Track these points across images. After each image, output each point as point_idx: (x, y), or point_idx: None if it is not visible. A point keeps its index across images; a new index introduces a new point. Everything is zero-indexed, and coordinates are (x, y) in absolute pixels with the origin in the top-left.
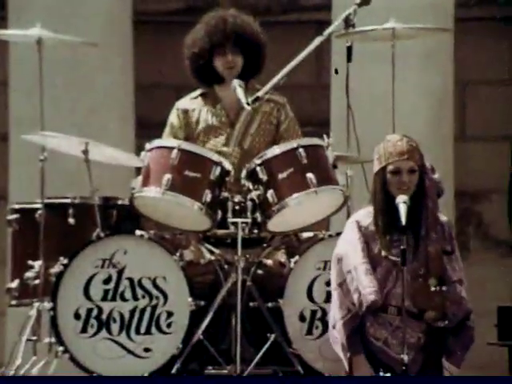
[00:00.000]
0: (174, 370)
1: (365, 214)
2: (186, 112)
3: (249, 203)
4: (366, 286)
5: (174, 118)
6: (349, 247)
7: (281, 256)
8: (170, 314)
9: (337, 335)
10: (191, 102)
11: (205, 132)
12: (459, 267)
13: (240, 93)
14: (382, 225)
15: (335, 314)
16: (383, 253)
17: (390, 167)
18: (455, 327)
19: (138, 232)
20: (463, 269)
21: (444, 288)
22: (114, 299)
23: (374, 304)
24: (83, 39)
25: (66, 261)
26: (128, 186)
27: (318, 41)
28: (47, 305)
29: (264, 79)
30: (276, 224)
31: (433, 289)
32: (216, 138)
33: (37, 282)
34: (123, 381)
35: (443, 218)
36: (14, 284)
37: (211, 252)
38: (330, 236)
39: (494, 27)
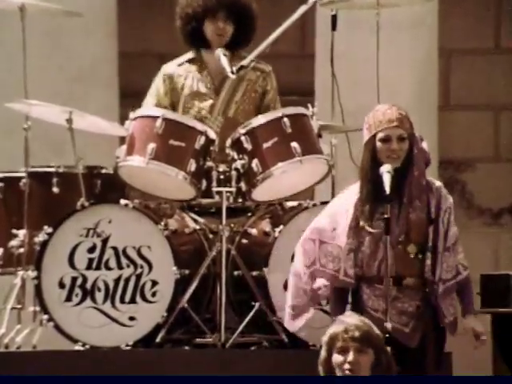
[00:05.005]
0: (158, 339)
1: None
2: (171, 77)
3: (233, 172)
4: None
5: (159, 83)
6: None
7: (265, 225)
8: (154, 283)
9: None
10: (178, 68)
11: (189, 98)
12: (445, 235)
13: (224, 61)
14: (366, 194)
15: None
16: (361, 222)
17: (380, 135)
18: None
19: (122, 201)
20: (454, 235)
21: (422, 256)
22: (98, 268)
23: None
24: (67, 8)
25: (50, 230)
26: (112, 155)
27: (302, 9)
28: (31, 273)
29: (249, 47)
30: (260, 193)
31: (412, 256)
32: (200, 104)
33: (21, 250)
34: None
35: (437, 184)
36: None
37: (196, 221)
38: (315, 205)
39: None
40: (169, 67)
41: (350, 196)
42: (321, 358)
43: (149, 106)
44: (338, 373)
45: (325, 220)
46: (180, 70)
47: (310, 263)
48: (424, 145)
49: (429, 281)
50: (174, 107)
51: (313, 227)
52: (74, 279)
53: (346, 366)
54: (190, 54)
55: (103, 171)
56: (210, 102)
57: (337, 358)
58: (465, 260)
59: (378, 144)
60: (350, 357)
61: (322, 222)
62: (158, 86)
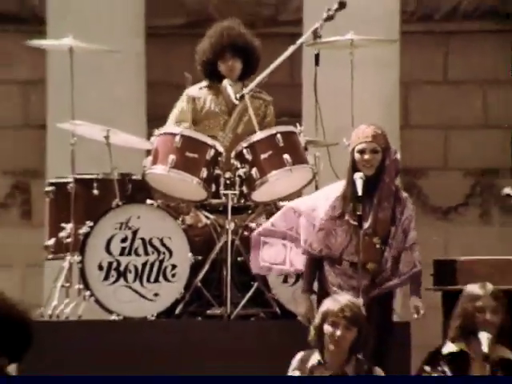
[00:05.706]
0: (177, 311)
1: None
2: (193, 99)
3: (237, 178)
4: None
5: (183, 103)
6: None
7: (262, 221)
8: (174, 267)
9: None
10: (199, 91)
11: (207, 116)
12: (405, 237)
13: (230, 91)
14: (349, 194)
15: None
16: (346, 216)
17: (357, 147)
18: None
19: (148, 201)
20: (413, 238)
21: (384, 247)
22: (129, 254)
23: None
24: (107, 47)
25: (91, 224)
26: (140, 164)
27: (291, 49)
28: (77, 258)
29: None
30: (259, 195)
31: (377, 246)
32: (215, 122)
33: (69, 240)
34: None
35: (404, 194)
36: (51, 242)
37: (207, 217)
38: None
39: (432, 39)
40: (192, 90)
41: (331, 190)
42: (315, 323)
43: (171, 124)
44: (326, 339)
45: (307, 201)
46: (201, 93)
47: (286, 228)
48: (398, 156)
49: (384, 267)
50: (194, 123)
51: (296, 203)
52: (110, 263)
53: (335, 338)
54: (206, 81)
55: (133, 177)
56: (223, 121)
57: (328, 328)
58: (419, 257)
59: (356, 155)
60: (339, 332)
61: (304, 202)
62: (181, 105)
